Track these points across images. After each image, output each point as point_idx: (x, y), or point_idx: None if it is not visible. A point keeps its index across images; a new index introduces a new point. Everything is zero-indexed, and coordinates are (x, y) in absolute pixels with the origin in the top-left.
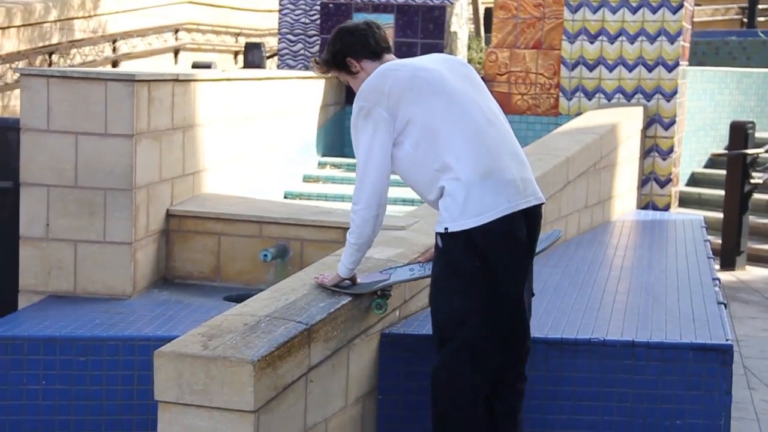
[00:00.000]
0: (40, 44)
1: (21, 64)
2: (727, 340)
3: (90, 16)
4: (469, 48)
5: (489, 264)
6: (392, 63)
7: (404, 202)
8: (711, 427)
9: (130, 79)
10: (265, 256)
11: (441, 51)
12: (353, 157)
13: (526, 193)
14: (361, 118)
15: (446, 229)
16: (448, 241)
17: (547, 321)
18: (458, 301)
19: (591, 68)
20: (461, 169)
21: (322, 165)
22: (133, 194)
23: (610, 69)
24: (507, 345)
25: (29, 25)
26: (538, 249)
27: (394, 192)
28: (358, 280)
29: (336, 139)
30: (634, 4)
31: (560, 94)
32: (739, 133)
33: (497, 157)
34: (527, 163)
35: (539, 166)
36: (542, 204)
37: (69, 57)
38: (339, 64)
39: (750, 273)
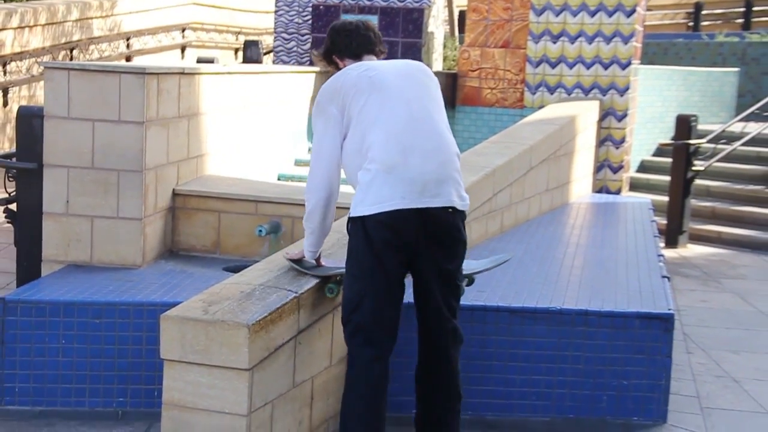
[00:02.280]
0: (63, 41)
1: (45, 59)
2: (669, 309)
3: (107, 16)
4: (445, 47)
5: (375, 253)
6: (353, 65)
7: None
8: (653, 387)
9: (142, 72)
10: (260, 231)
11: (419, 49)
12: None
13: (428, 193)
14: (315, 114)
15: (349, 215)
16: (350, 226)
17: (510, 291)
18: (354, 286)
19: (553, 66)
20: (373, 160)
21: (311, 150)
22: (143, 175)
23: (570, 66)
24: (426, 329)
25: (53, 23)
26: (480, 268)
27: None
28: (323, 263)
29: None
30: (592, 8)
31: (525, 88)
32: (684, 126)
33: (408, 154)
34: (452, 166)
35: (506, 153)
36: (449, 207)
37: (88, 52)
38: (328, 60)
39: (691, 250)
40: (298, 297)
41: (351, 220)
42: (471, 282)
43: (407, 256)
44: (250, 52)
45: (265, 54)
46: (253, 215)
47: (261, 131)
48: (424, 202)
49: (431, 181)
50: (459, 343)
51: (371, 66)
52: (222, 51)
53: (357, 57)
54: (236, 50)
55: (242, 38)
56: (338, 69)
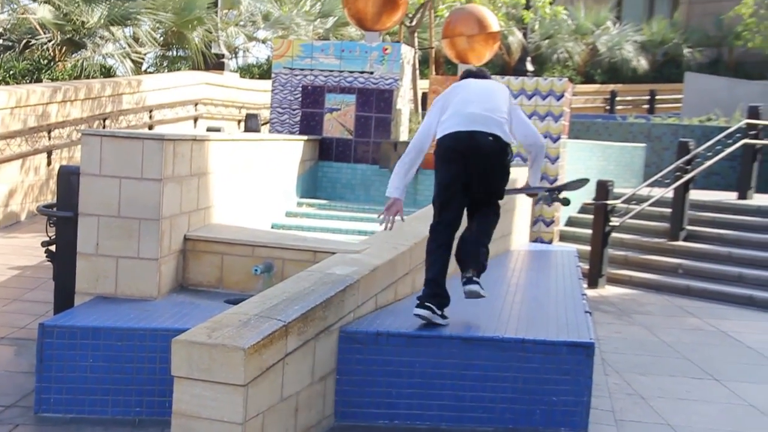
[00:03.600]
0: (97, 112)
1: (82, 127)
2: (590, 339)
3: (134, 92)
4: (410, 120)
5: (444, 159)
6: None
7: (359, 233)
8: (577, 403)
9: (161, 139)
10: (256, 270)
11: (390, 122)
12: (324, 198)
13: (475, 125)
14: (431, 106)
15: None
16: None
17: (463, 321)
18: (437, 182)
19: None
20: (449, 112)
21: (300, 204)
22: (159, 223)
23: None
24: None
25: (89, 98)
26: (562, 183)
27: (352, 225)
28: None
29: (311, 185)
30: (529, 92)
31: None
32: (603, 189)
33: (467, 105)
34: (498, 115)
35: None
36: (491, 135)
37: (117, 122)
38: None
39: (608, 291)
40: (286, 325)
41: (436, 139)
42: (567, 202)
43: (463, 165)
44: (251, 123)
45: (263, 125)
46: (250, 257)
47: (258, 188)
48: (472, 127)
49: (479, 117)
50: (485, 222)
51: (460, 84)
52: (228, 122)
53: (461, 77)
54: (239, 121)
55: (244, 111)
56: None
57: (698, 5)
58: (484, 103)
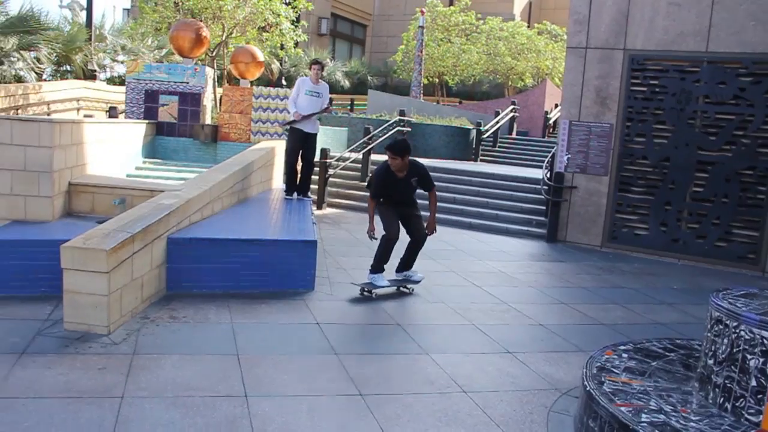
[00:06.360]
0: (12, 105)
1: (2, 115)
2: (314, 238)
3: (37, 93)
4: (211, 112)
5: None
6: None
7: (180, 179)
8: (307, 273)
9: (50, 121)
10: (115, 202)
11: (199, 113)
12: (159, 159)
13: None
14: None
15: None
16: None
17: (242, 230)
18: None
19: (264, 122)
20: None
21: (144, 162)
22: (51, 174)
23: (272, 124)
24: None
25: (8, 96)
26: None
27: (175, 174)
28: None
29: (150, 151)
30: (280, 96)
31: (251, 133)
32: (324, 153)
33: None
34: None
35: (241, 163)
36: None
37: (26, 111)
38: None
39: (327, 211)
40: (133, 235)
41: None
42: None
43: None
44: (112, 113)
45: (120, 113)
46: (111, 195)
47: (117, 152)
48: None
49: None
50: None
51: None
52: (99, 112)
53: None
54: (106, 111)
55: (109, 106)
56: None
57: (375, 53)
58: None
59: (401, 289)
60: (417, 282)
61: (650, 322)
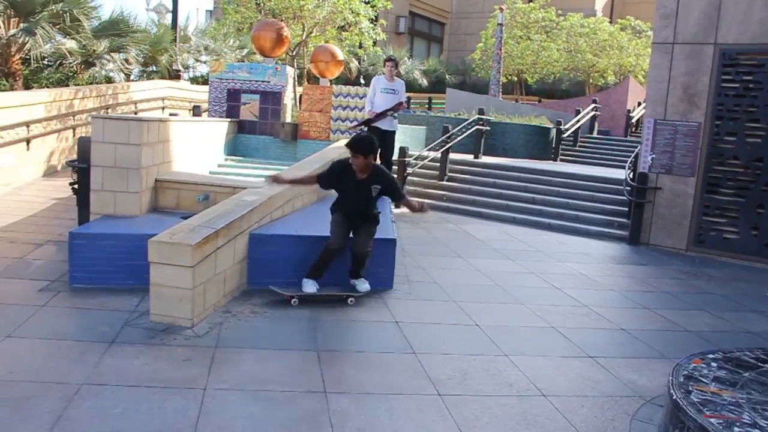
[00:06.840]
0: (103, 105)
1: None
2: (394, 236)
3: (125, 93)
4: (291, 110)
5: None
6: None
7: (262, 176)
8: (387, 272)
9: (140, 120)
10: (199, 198)
11: (279, 111)
12: (241, 156)
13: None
14: None
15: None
16: None
17: (314, 229)
18: None
19: (343, 121)
20: None
21: (226, 159)
22: (140, 171)
23: (351, 122)
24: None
25: (98, 96)
26: None
27: (257, 171)
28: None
29: (233, 148)
30: (361, 93)
31: (330, 132)
32: (403, 152)
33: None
34: None
35: (322, 161)
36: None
37: (115, 110)
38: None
39: (406, 210)
40: (216, 231)
41: None
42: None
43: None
44: (196, 111)
45: (204, 112)
46: (195, 191)
47: (201, 150)
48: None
49: None
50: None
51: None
52: (183, 110)
53: None
54: (190, 110)
55: (193, 104)
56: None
57: (453, 51)
58: None
59: (347, 299)
60: (360, 293)
61: (740, 330)
